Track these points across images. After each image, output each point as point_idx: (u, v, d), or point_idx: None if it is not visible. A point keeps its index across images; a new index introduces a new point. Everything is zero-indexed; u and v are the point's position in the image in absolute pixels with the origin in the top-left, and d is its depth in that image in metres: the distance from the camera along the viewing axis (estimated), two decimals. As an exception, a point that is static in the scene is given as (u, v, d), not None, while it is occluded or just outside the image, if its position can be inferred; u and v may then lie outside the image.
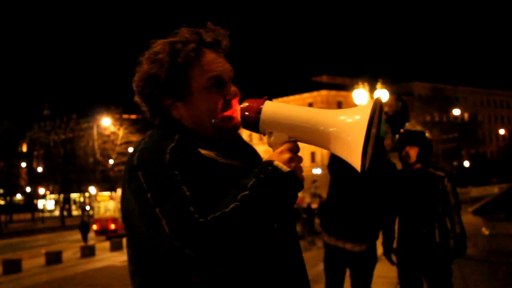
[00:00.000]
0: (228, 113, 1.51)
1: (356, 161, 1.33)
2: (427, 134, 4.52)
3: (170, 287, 1.41)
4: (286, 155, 1.39)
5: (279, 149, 1.41)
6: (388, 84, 22.04)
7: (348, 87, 35.13)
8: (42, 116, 59.34)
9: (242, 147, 1.64)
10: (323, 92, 64.25)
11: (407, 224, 4.43)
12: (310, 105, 64.89)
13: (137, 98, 1.59)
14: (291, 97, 65.93)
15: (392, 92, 23.22)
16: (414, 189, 4.41)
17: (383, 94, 19.39)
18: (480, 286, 7.28)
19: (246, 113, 1.45)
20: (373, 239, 4.46)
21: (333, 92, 64.23)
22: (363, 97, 18.99)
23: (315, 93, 64.51)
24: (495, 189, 23.18)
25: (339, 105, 63.82)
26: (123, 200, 1.47)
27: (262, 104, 1.43)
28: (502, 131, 74.58)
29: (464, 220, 4.39)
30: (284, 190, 1.37)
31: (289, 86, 67.88)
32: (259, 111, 1.43)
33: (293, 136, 1.43)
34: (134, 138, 50.06)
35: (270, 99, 1.47)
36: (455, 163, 54.88)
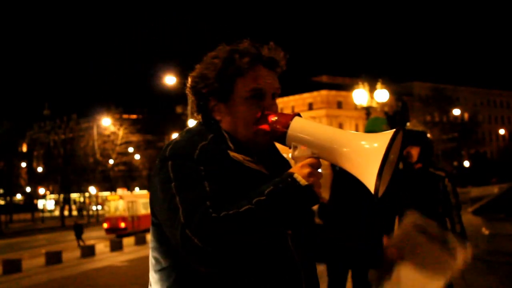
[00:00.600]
0: (263, 127, 1.60)
1: (370, 184, 1.41)
2: (428, 134, 4.53)
3: (179, 273, 1.51)
4: (307, 170, 1.47)
5: (301, 163, 1.49)
6: (388, 84, 22.02)
7: (348, 87, 35.10)
8: (42, 116, 59.31)
9: (274, 158, 1.72)
10: (323, 92, 64.25)
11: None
12: (310, 105, 65.04)
13: (188, 91, 1.70)
14: (291, 97, 65.91)
15: (392, 92, 23.23)
16: (414, 189, 4.41)
17: (383, 94, 19.40)
18: (480, 286, 7.27)
19: (276, 126, 1.56)
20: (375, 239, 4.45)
21: (333, 92, 64.22)
22: (363, 97, 19.00)
23: (315, 93, 64.51)
24: (495, 189, 23.12)
25: (339, 105, 63.88)
26: (152, 187, 1.57)
27: (292, 119, 1.54)
28: (502, 131, 74.56)
29: (464, 220, 4.39)
30: (299, 202, 1.44)
31: (289, 86, 67.74)
32: (287, 126, 1.53)
33: (316, 152, 1.51)
34: (134, 138, 50.15)
35: (299, 115, 1.57)
36: (455, 163, 54.87)
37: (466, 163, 57.05)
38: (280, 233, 1.49)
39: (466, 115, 64.73)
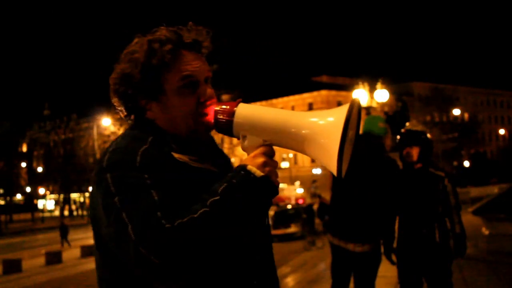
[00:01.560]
0: (201, 115, 1.47)
1: (332, 165, 1.28)
2: (428, 134, 4.53)
3: None
4: (260, 159, 1.34)
5: (253, 153, 1.37)
6: (388, 84, 22.03)
7: (348, 87, 35.15)
8: (42, 116, 59.40)
9: (214, 150, 1.60)
10: (323, 92, 64.23)
11: (407, 223, 4.43)
12: (310, 105, 65.00)
13: (112, 96, 1.54)
14: (291, 97, 65.92)
15: (392, 92, 23.25)
16: (414, 189, 4.41)
17: (383, 94, 19.41)
18: (480, 286, 7.27)
19: (220, 116, 1.40)
20: (375, 239, 4.45)
21: (333, 92, 64.20)
22: (363, 97, 19.01)
23: (315, 93, 64.49)
24: (495, 189, 23.13)
25: (339, 105, 63.76)
26: (92, 203, 1.42)
27: (236, 106, 1.39)
28: (502, 131, 74.55)
29: (464, 220, 4.39)
30: (257, 195, 1.32)
31: (289, 86, 67.85)
32: (232, 114, 1.38)
33: (268, 139, 1.38)
34: (134, 138, 50.06)
35: (246, 101, 1.43)
36: (455, 163, 54.86)
37: (466, 163, 57.03)
38: (239, 235, 1.32)
39: (466, 115, 64.72)
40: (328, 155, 1.29)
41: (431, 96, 54.96)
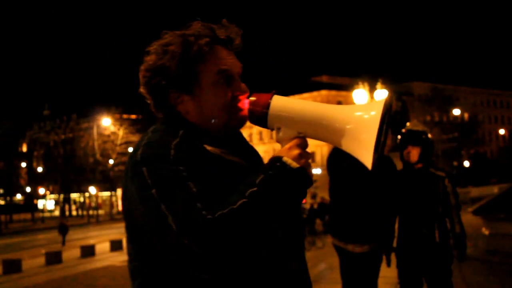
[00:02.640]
0: (235, 109, 1.48)
1: (367, 158, 1.31)
2: (428, 134, 4.54)
3: (174, 284, 1.38)
4: (296, 151, 1.37)
5: (288, 145, 1.39)
6: (388, 84, 22.06)
7: (348, 87, 35.10)
8: (42, 116, 59.38)
9: (244, 145, 1.61)
10: (323, 92, 64.20)
11: (407, 223, 4.43)
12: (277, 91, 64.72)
13: (142, 89, 1.54)
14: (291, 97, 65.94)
15: (392, 92, 23.23)
16: (414, 188, 4.41)
17: (383, 94, 19.41)
18: (480, 286, 7.27)
19: (254, 108, 1.41)
20: (375, 239, 4.44)
21: (333, 92, 64.17)
22: (363, 97, 19.01)
23: (315, 93, 64.45)
24: (495, 189, 23.16)
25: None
26: (125, 196, 1.43)
27: (271, 98, 1.40)
28: (502, 131, 74.55)
29: (464, 220, 4.40)
30: (293, 186, 1.34)
31: (289, 86, 67.84)
32: (267, 106, 1.39)
33: (303, 131, 1.39)
34: (134, 138, 50.09)
35: (278, 93, 1.43)
36: (455, 163, 54.85)
37: (466, 163, 57.04)
38: (276, 226, 1.35)
39: (466, 115, 64.72)
40: (365, 148, 1.31)
41: (431, 96, 54.96)
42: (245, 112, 1.45)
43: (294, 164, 1.34)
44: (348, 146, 1.36)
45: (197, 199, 1.28)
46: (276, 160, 1.35)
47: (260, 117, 1.41)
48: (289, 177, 1.33)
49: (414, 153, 4.38)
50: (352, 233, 4.37)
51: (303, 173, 1.35)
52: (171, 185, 1.30)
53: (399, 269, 4.49)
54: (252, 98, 1.42)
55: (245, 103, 1.46)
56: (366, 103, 1.40)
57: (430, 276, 4.36)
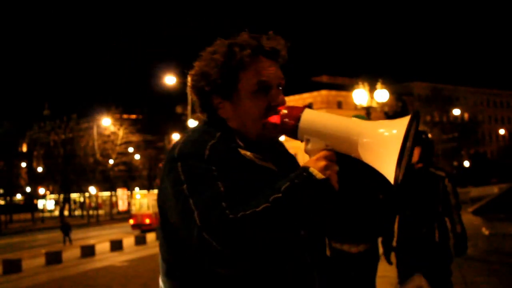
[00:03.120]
0: (271, 120, 1.55)
1: (389, 173, 1.36)
2: (429, 134, 4.56)
3: (193, 276, 1.46)
4: (322, 163, 1.43)
5: (315, 156, 1.46)
6: (388, 84, 22.02)
7: (348, 87, 35.09)
8: (42, 116, 59.35)
9: (282, 154, 1.68)
10: (323, 92, 64.22)
11: (407, 223, 4.43)
12: (310, 105, 65.04)
13: (189, 91, 1.65)
14: (291, 97, 65.88)
15: (392, 92, 23.24)
16: (415, 188, 4.41)
17: (383, 94, 19.40)
18: (480, 286, 7.27)
19: (286, 120, 1.50)
20: (371, 238, 4.44)
21: (333, 92, 64.19)
22: (363, 97, 18.99)
23: (315, 93, 64.47)
24: (495, 189, 23.16)
25: (339, 105, 63.87)
26: (161, 189, 1.52)
27: (302, 112, 1.49)
28: (502, 131, 74.53)
29: (464, 220, 4.40)
30: (317, 197, 1.39)
31: (289, 86, 67.42)
32: (298, 118, 1.48)
33: (330, 144, 1.47)
34: (134, 138, 50.14)
35: (310, 107, 1.52)
36: (455, 163, 54.87)
37: (466, 163, 57.05)
38: (294, 233, 1.43)
39: (466, 115, 64.72)
40: (386, 164, 1.37)
41: (431, 96, 54.97)
42: (278, 122, 1.54)
43: (320, 175, 1.40)
44: (373, 161, 1.42)
45: (223, 198, 1.35)
46: (304, 170, 1.42)
47: (291, 129, 1.50)
48: (313, 187, 1.39)
49: (414, 153, 4.39)
50: (347, 233, 4.38)
51: (328, 184, 1.41)
52: (201, 182, 1.39)
53: (399, 269, 4.49)
54: (284, 111, 1.52)
55: (278, 113, 1.54)
56: (396, 119, 1.44)
57: (430, 276, 4.36)
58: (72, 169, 49.90)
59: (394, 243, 4.54)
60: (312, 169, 1.41)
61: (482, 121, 69.37)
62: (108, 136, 48.91)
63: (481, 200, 13.88)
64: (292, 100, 65.79)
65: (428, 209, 4.35)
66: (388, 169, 1.36)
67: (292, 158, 1.72)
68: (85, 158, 49.33)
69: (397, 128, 1.37)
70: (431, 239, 4.28)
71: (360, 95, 18.99)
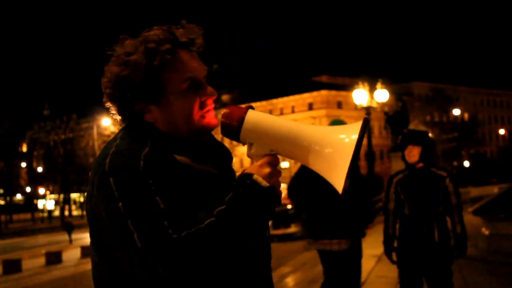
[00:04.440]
0: (202, 113, 1.46)
1: (339, 182, 1.28)
2: (430, 134, 4.57)
3: None
4: (267, 169, 1.33)
5: (259, 162, 1.35)
6: (388, 84, 22.02)
7: (348, 87, 35.08)
8: (42, 116, 59.41)
9: (215, 147, 1.56)
10: (323, 92, 64.19)
11: (407, 223, 4.43)
12: (310, 105, 64.96)
13: (105, 101, 1.48)
14: (291, 97, 65.90)
15: (392, 92, 23.20)
16: (416, 188, 4.41)
17: (383, 94, 19.41)
18: (480, 286, 7.27)
19: (227, 121, 1.36)
20: (352, 234, 4.55)
21: (333, 92, 64.16)
22: (363, 97, 19.00)
23: (315, 93, 64.45)
24: (495, 189, 23.15)
25: (339, 105, 63.86)
26: (90, 205, 1.38)
27: (245, 113, 1.36)
28: (502, 131, 74.54)
29: (464, 220, 4.40)
30: (262, 206, 1.31)
31: (289, 86, 67.82)
32: (241, 120, 1.35)
33: (275, 149, 1.36)
34: (134, 138, 50.11)
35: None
36: (455, 163, 54.84)
37: (466, 163, 57.03)
38: (243, 245, 1.31)
39: (466, 115, 64.74)
40: (337, 172, 1.28)
41: (431, 96, 54.96)
42: (214, 121, 1.45)
43: (264, 183, 1.31)
44: (321, 168, 1.34)
45: (164, 216, 1.23)
46: (247, 177, 1.32)
47: (233, 131, 1.36)
48: (258, 196, 1.29)
49: (415, 153, 4.39)
50: (328, 230, 4.50)
51: (273, 192, 1.32)
52: (138, 199, 1.26)
53: (399, 269, 4.49)
54: (226, 111, 1.37)
55: (212, 108, 1.46)
56: (344, 126, 1.36)
57: (430, 276, 4.36)
58: (72, 169, 49.92)
59: (395, 244, 4.54)
60: (256, 177, 1.31)
61: (482, 121, 69.31)
62: (108, 136, 48.82)
63: (481, 200, 13.88)
64: (292, 100, 65.83)
65: (429, 209, 4.35)
66: (338, 178, 1.28)
67: (226, 150, 1.58)
68: (85, 158, 49.37)
69: (347, 134, 1.29)
70: (431, 239, 4.28)
71: (360, 95, 19.01)
